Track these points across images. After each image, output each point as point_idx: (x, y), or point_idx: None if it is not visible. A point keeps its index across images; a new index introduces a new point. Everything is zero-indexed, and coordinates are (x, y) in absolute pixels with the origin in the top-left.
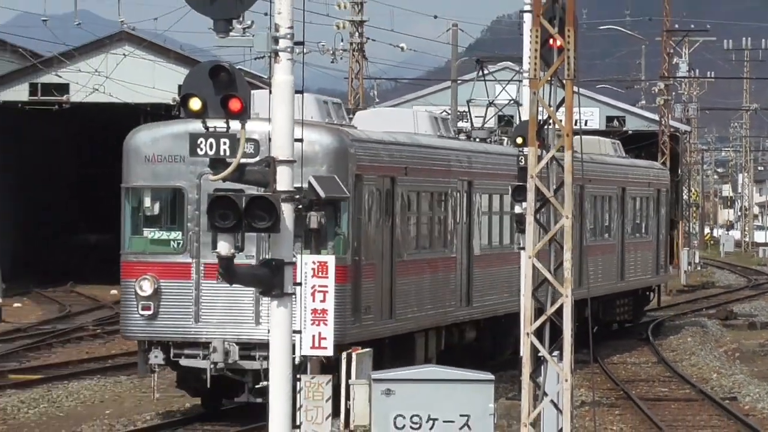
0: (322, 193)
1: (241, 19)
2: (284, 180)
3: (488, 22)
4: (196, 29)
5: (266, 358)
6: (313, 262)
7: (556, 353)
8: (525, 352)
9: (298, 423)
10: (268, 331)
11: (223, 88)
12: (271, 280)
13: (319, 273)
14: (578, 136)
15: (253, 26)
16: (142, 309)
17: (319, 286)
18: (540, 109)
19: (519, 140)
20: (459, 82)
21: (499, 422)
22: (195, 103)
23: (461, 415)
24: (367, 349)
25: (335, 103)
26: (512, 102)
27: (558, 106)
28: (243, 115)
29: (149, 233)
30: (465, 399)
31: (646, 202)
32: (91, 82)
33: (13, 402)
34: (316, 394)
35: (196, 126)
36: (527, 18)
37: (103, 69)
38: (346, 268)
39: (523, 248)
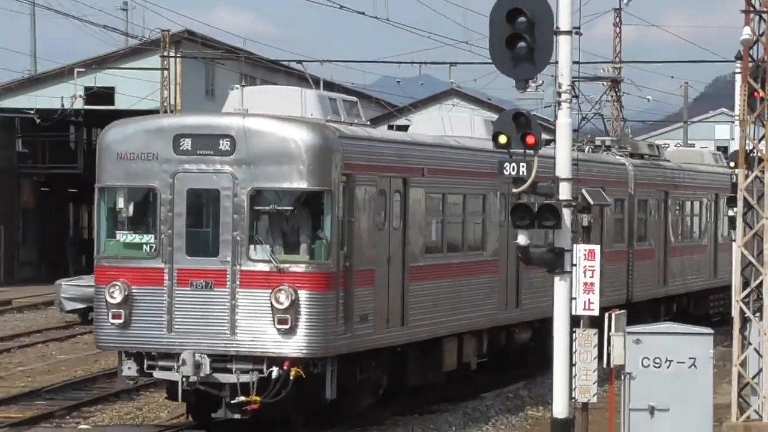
0: (590, 201)
1: (535, 79)
2: (564, 192)
3: (710, 80)
4: (503, 86)
5: (244, 371)
6: (584, 250)
7: (758, 314)
8: (735, 314)
9: (573, 362)
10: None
11: (522, 127)
12: (555, 262)
13: (589, 257)
14: (674, 149)
15: (543, 84)
16: (113, 317)
17: (589, 266)
18: (747, 141)
19: (732, 164)
20: (688, 123)
21: (717, 363)
22: (502, 139)
23: (689, 358)
24: (623, 311)
25: (346, 101)
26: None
27: (760, 140)
28: (536, 147)
29: (121, 236)
30: (692, 346)
31: None
32: None
33: None
34: (586, 342)
35: (170, 121)
36: (738, 77)
37: None
38: (328, 275)
39: (734, 240)
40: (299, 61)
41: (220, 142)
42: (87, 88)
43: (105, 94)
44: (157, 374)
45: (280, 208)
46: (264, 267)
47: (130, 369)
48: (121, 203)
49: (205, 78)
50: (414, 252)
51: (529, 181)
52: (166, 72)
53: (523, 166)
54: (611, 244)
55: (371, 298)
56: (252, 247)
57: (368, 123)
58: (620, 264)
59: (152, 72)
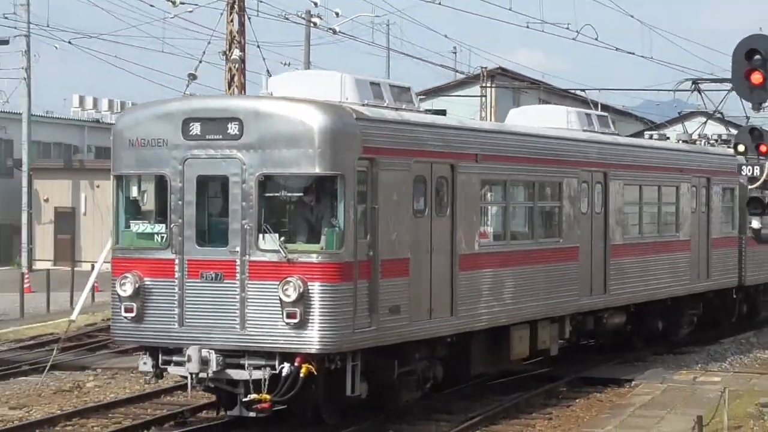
0: None
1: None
2: None
3: None
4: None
5: (256, 367)
6: None
7: None
8: None
9: None
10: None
11: (756, 139)
12: None
13: None
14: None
15: None
16: (125, 311)
17: None
18: None
19: None
20: None
21: None
22: (741, 147)
23: None
24: None
25: (395, 86)
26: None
27: None
28: None
29: (135, 226)
30: None
31: None
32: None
33: None
34: None
35: (179, 106)
36: None
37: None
38: (342, 265)
39: None
40: (583, 89)
41: (229, 125)
42: (426, 110)
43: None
44: (171, 369)
45: (289, 194)
46: (273, 257)
47: (146, 364)
48: (134, 192)
49: (513, 103)
50: (465, 240)
51: (762, 179)
52: (484, 99)
53: (756, 168)
54: (720, 231)
55: (405, 289)
56: (261, 236)
57: (421, 109)
58: (730, 249)
59: (474, 99)
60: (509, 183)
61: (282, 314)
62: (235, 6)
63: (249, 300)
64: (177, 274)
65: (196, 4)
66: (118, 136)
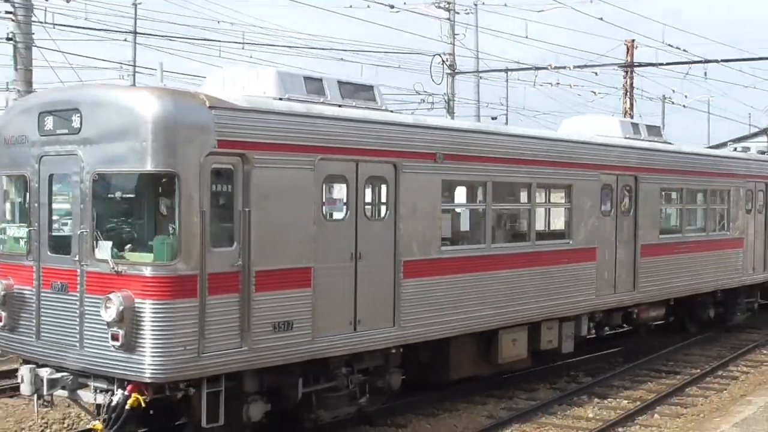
0: None
1: None
2: None
3: None
4: None
5: (104, 391)
6: None
7: None
8: None
9: None
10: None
11: None
12: None
13: None
14: None
15: None
16: None
17: None
18: None
19: None
20: None
21: None
22: None
23: None
24: None
25: (347, 83)
26: None
27: None
28: None
29: (9, 230)
30: None
31: None
32: None
33: None
34: None
35: (36, 99)
36: None
37: None
38: (177, 279)
39: None
40: None
41: (72, 118)
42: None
43: None
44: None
45: (124, 196)
46: (106, 268)
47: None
48: (11, 192)
49: None
50: (412, 245)
51: None
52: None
53: None
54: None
55: (305, 302)
56: (94, 243)
57: (386, 108)
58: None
59: (761, 144)
60: (489, 184)
61: (108, 335)
62: (627, 93)
63: (86, 316)
64: (34, 283)
65: (608, 93)
66: None
